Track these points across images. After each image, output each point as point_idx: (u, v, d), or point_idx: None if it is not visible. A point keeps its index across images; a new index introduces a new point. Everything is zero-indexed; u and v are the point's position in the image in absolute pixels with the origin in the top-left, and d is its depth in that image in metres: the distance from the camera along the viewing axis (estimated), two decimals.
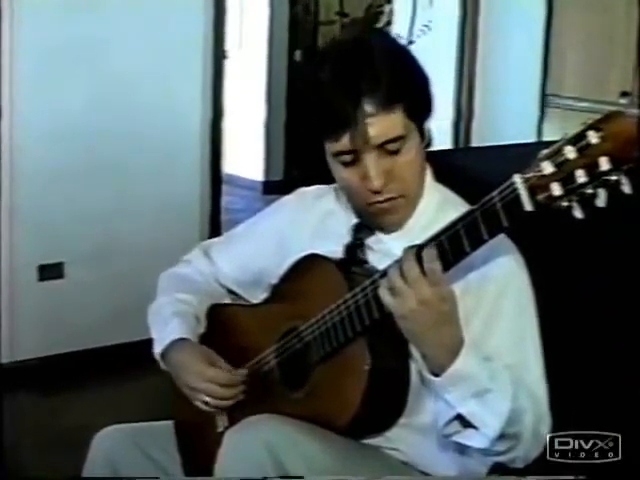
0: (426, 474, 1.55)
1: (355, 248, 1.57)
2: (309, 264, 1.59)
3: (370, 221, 1.56)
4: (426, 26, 5.73)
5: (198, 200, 4.00)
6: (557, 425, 1.47)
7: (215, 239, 1.95)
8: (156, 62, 3.75)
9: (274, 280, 1.68)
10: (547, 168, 1.22)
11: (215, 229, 3.99)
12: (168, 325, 1.69)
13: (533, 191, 1.23)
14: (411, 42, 5.31)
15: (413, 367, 1.47)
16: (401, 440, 1.53)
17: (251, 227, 1.80)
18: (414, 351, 1.44)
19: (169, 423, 1.78)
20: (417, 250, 1.35)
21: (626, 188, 1.18)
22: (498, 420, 1.38)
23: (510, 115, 5.71)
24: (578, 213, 1.21)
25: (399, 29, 5.79)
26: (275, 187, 6.18)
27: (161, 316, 1.72)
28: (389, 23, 6.05)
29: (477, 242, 1.32)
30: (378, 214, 1.53)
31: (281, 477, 1.39)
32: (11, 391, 3.34)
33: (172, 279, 1.82)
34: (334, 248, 1.58)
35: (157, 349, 1.69)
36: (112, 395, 3.45)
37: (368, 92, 1.44)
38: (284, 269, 1.64)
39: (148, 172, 3.81)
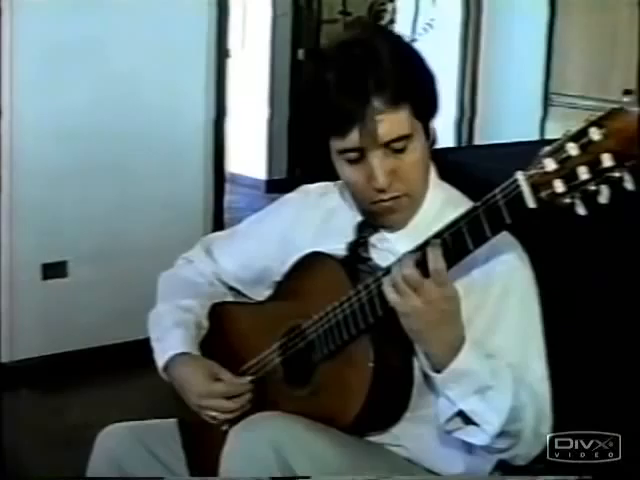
0: (430, 471, 1.55)
1: (359, 246, 1.57)
2: (312, 262, 1.59)
3: (374, 219, 1.56)
4: (429, 24, 5.74)
5: (201, 199, 3.99)
6: (557, 425, 1.47)
7: (217, 234, 1.93)
8: (159, 61, 3.74)
9: (277, 278, 1.68)
10: (549, 165, 1.22)
11: (218, 228, 3.97)
12: (169, 337, 1.67)
13: (536, 188, 1.23)
14: (414, 40, 5.30)
15: (416, 364, 1.47)
16: (405, 435, 1.53)
17: (254, 224, 1.79)
18: (417, 348, 1.44)
19: (173, 421, 1.77)
20: (420, 249, 1.35)
21: (629, 185, 1.18)
22: (498, 417, 1.38)
23: (513, 113, 5.70)
24: (581, 210, 1.21)
25: (402, 27, 5.79)
26: (278, 186, 6.16)
27: (162, 327, 1.70)
28: (392, 21, 6.05)
29: (480, 239, 1.32)
30: (382, 212, 1.53)
31: (287, 478, 1.39)
32: (15, 389, 3.35)
33: (173, 282, 1.79)
34: (338, 246, 1.58)
35: (159, 362, 1.67)
36: (115, 393, 3.45)
37: (376, 90, 1.44)
38: (287, 267, 1.64)
39: (151, 171, 3.80)
